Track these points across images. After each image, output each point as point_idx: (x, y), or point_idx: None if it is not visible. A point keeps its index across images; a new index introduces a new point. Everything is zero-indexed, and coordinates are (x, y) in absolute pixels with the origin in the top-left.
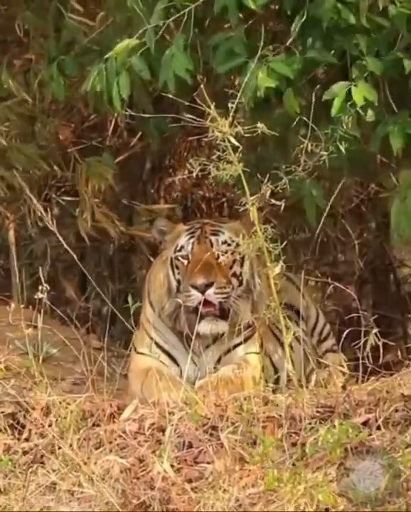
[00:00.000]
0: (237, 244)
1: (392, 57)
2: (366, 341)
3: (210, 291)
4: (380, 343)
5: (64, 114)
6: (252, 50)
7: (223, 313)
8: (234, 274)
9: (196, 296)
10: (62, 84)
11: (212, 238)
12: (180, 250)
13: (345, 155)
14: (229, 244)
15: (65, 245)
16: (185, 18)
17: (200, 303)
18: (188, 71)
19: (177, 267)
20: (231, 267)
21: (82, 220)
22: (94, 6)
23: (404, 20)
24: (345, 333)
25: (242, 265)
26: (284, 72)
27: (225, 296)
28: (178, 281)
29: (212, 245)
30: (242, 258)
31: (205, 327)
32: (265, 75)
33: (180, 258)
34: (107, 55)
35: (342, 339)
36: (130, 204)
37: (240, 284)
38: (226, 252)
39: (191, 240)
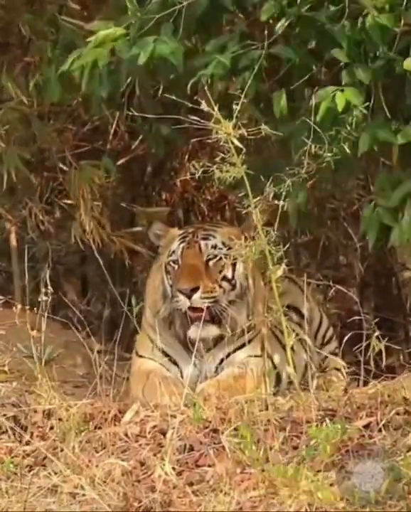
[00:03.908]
0: (229, 248)
1: (380, 63)
2: (368, 344)
3: (196, 295)
4: (383, 347)
5: (65, 118)
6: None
7: (213, 318)
8: (225, 278)
9: (183, 301)
10: (59, 85)
11: (202, 243)
12: (171, 255)
13: (339, 157)
14: (220, 249)
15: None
16: (176, 13)
17: (189, 308)
18: (173, 54)
19: (169, 272)
20: (221, 271)
21: (77, 225)
22: (93, 8)
23: (379, 32)
24: (347, 336)
25: (234, 269)
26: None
27: (212, 300)
28: (172, 286)
29: (200, 250)
30: (235, 262)
31: (194, 332)
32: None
33: (171, 263)
34: (89, 39)
35: (343, 343)
36: (129, 206)
37: (233, 288)
38: (216, 256)
39: (182, 245)
